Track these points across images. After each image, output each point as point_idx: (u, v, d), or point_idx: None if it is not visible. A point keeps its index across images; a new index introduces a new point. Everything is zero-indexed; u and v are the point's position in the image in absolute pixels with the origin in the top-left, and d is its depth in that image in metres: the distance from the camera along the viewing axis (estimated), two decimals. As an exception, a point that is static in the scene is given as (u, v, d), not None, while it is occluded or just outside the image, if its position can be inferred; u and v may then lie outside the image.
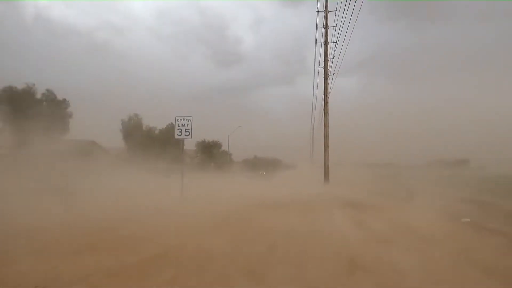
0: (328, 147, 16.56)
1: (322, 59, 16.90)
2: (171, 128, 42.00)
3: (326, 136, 16.66)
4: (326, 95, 16.82)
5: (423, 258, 3.64)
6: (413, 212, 7.43)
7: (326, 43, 16.58)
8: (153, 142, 40.33)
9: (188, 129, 9.39)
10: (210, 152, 68.40)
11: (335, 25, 15.75)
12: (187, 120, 9.38)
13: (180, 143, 10.31)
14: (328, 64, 16.61)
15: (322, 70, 17.00)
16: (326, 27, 16.50)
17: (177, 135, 9.44)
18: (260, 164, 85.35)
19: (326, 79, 16.72)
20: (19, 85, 27.84)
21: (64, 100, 30.36)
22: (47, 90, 29.33)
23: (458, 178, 19.88)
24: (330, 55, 16.49)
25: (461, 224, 6.18)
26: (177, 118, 9.48)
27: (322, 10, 16.63)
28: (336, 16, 15.54)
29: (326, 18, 16.45)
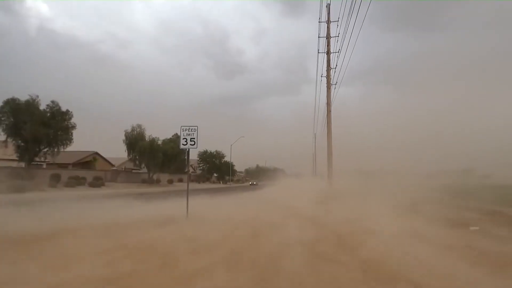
0: (332, 155, 16.54)
1: (325, 68, 17.07)
2: (175, 139, 41.99)
3: (329, 145, 16.67)
4: (328, 104, 16.91)
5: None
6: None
7: (328, 52, 16.75)
8: (156, 153, 40.25)
9: (194, 138, 9.36)
10: (213, 162, 68.44)
11: (337, 35, 15.97)
12: (193, 130, 9.36)
13: (185, 153, 10.27)
14: (331, 74, 16.75)
15: (324, 79, 17.16)
16: (328, 37, 16.70)
17: (183, 144, 9.41)
18: (261, 174, 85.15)
19: (328, 88, 16.83)
20: (22, 97, 28.04)
21: (67, 111, 30.53)
22: (52, 101, 29.57)
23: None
24: (332, 65, 16.65)
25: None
26: (182, 127, 9.47)
27: (324, 20, 16.89)
28: (339, 27, 15.78)
29: (328, 28, 16.67)
